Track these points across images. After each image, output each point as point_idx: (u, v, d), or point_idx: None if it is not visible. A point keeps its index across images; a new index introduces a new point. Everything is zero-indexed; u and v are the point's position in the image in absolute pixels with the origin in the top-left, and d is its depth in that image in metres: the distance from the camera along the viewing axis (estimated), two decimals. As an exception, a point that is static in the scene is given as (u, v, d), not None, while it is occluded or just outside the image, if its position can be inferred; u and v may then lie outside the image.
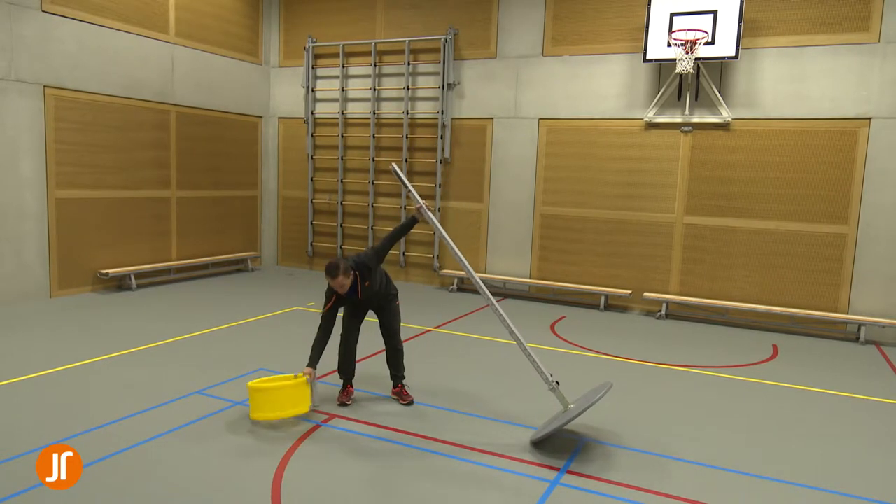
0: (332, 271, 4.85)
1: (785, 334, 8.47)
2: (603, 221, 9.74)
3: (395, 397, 5.48)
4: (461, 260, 5.12)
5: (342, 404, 5.28)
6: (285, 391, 4.81)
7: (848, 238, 8.43)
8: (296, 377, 5.04)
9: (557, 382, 4.73)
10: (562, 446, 4.63)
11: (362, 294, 5.09)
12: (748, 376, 6.56)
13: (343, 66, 11.39)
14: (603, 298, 9.57)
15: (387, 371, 5.48)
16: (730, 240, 9.02)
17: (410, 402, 5.38)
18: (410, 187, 5.30)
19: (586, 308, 9.64)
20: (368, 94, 11.30)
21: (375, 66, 11.12)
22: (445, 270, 10.76)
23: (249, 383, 4.84)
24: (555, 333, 8.03)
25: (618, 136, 9.55)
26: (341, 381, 5.42)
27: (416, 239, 11.13)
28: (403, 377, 5.49)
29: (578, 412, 4.52)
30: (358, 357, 6.56)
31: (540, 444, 4.61)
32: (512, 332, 4.89)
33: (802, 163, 8.58)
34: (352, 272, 4.93)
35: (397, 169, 5.35)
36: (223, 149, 11.30)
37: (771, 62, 8.63)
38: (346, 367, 5.38)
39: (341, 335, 5.35)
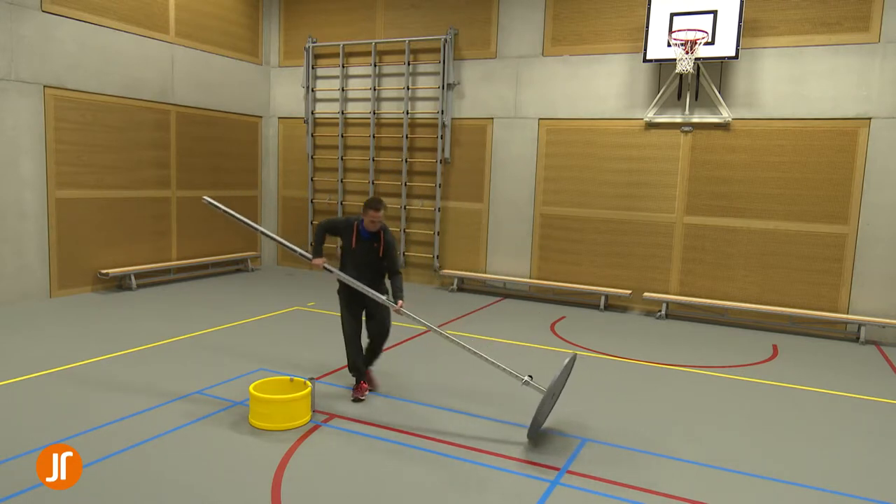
0: (378, 204, 5.19)
1: (785, 334, 8.47)
2: (603, 221, 9.74)
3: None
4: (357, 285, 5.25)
5: (357, 400, 5.31)
6: (287, 405, 4.75)
7: (848, 238, 8.43)
8: (292, 381, 5.04)
9: (530, 376, 4.78)
10: (562, 446, 4.63)
11: (383, 251, 5.29)
12: (748, 376, 6.56)
13: (343, 66, 11.39)
14: (603, 298, 9.56)
15: (387, 369, 5.47)
16: (730, 240, 9.02)
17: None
18: (237, 215, 5.30)
19: (586, 308, 9.64)
20: (368, 94, 11.30)
21: (375, 66, 11.12)
22: (445, 270, 10.75)
23: (252, 388, 4.82)
24: (555, 333, 8.03)
25: (618, 136, 9.55)
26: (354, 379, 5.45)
27: (416, 239, 11.13)
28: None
29: (555, 389, 4.61)
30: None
31: (540, 444, 4.62)
32: (459, 345, 5.12)
33: (802, 163, 8.58)
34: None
35: (212, 201, 5.28)
36: (223, 149, 11.30)
37: (771, 62, 8.63)
38: (357, 361, 5.41)
39: (344, 330, 5.39)
